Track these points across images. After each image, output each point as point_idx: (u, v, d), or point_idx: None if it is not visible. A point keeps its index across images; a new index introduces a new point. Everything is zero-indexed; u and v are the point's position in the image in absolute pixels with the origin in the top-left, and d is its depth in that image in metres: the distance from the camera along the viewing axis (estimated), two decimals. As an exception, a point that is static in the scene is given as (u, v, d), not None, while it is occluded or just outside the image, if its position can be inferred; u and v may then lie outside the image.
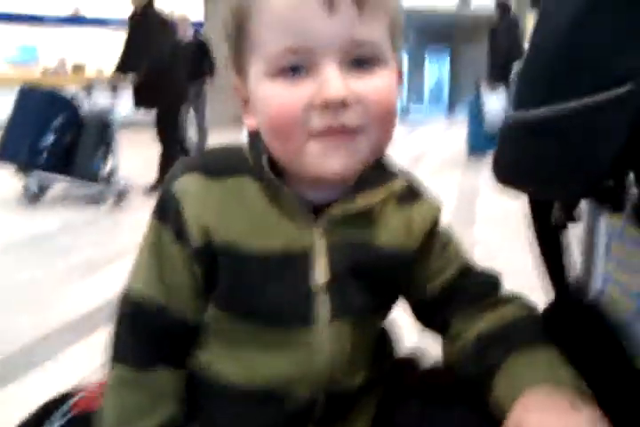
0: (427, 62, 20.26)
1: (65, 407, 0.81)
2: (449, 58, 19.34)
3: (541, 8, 0.62)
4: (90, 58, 12.11)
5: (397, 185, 0.73)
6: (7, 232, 3.89)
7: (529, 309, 0.73)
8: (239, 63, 0.66)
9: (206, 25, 11.67)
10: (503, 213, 4.09)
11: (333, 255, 0.68)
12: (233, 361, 0.69)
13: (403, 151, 6.65)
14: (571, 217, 0.62)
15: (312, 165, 0.62)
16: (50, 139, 4.58)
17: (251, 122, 0.68)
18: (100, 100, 4.90)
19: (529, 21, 14.74)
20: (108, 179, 4.70)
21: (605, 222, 0.83)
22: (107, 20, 12.03)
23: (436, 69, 20.53)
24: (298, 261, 0.67)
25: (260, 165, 0.67)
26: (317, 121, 0.60)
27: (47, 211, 4.49)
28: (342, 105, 0.59)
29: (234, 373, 0.69)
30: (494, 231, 3.65)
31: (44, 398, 0.83)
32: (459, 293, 0.74)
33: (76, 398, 0.82)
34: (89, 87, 5.05)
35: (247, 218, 0.67)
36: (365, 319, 0.71)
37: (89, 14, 12.52)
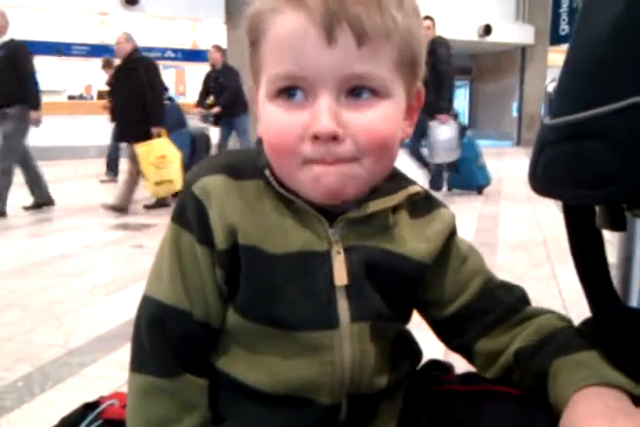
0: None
1: (92, 415, 0.81)
2: (468, 91, 19.48)
3: (578, 20, 0.63)
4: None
5: (414, 189, 0.74)
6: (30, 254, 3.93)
7: (563, 319, 0.72)
8: (255, 77, 0.68)
9: (228, 50, 11.90)
10: (525, 241, 4.08)
11: (350, 258, 0.68)
12: (255, 367, 0.69)
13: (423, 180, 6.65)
14: (617, 225, 0.61)
15: (304, 189, 0.65)
16: None
17: (260, 130, 0.69)
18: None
19: (550, 55, 14.87)
20: None
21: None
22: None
23: (456, 102, 20.69)
24: (317, 265, 0.67)
25: (266, 177, 0.68)
26: (310, 151, 0.62)
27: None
28: (332, 139, 0.61)
29: (256, 378, 0.68)
30: (519, 259, 3.62)
31: (65, 413, 0.83)
32: (487, 308, 0.73)
33: (103, 406, 0.82)
34: None
35: (266, 220, 0.67)
36: (383, 323, 0.71)
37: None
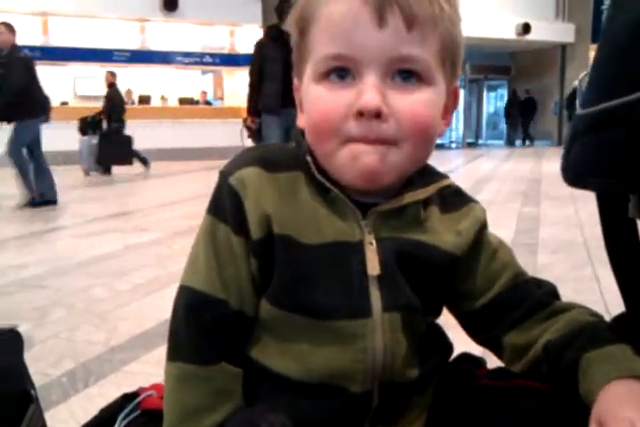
0: (485, 95, 20.22)
1: (131, 405, 0.83)
2: (507, 90, 19.24)
3: (607, 14, 0.62)
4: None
5: (446, 182, 0.75)
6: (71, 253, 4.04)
7: (593, 314, 0.72)
8: (299, 66, 0.70)
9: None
10: (566, 242, 4.01)
11: (382, 248, 0.69)
12: (287, 356, 0.70)
13: (461, 180, 6.60)
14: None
15: (343, 168, 0.66)
16: None
17: (301, 121, 0.72)
18: None
19: (592, 53, 14.59)
20: None
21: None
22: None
23: (494, 102, 20.49)
24: (351, 255, 0.68)
25: (306, 164, 0.69)
26: (354, 129, 0.64)
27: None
28: (376, 116, 0.62)
29: (288, 367, 0.69)
30: (559, 260, 3.56)
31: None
32: (517, 301, 0.73)
33: (142, 397, 0.84)
34: None
35: (300, 211, 0.69)
36: (414, 315, 0.71)
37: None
